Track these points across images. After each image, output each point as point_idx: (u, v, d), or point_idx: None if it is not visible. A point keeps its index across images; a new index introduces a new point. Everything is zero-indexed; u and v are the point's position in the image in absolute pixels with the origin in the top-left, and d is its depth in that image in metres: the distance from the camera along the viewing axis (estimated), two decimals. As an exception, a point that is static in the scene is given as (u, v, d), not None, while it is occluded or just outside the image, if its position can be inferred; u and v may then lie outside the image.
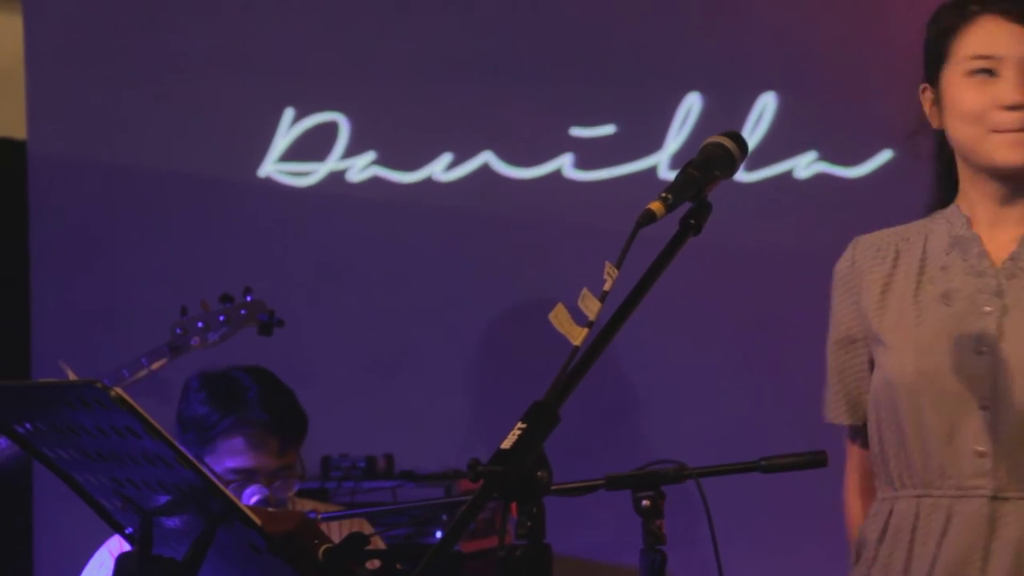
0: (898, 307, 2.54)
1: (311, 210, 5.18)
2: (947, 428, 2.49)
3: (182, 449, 2.25)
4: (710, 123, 5.01)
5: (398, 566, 2.40)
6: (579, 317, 2.14)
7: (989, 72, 2.48)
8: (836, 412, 2.63)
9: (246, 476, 3.38)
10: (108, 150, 5.21)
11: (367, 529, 3.52)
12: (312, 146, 5.19)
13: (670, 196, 2.27)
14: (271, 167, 5.22)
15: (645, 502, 3.07)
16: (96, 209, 5.21)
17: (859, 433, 2.64)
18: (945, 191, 2.62)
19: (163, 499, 2.31)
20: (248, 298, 4.70)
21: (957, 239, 2.56)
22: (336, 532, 3.50)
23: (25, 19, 5.23)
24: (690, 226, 2.28)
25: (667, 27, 5.13)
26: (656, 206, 2.26)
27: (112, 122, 5.22)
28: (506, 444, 2.02)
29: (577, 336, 2.11)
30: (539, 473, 2.03)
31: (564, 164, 5.15)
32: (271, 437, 3.41)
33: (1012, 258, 2.54)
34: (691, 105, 5.11)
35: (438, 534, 4.42)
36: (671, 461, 2.86)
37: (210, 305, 4.68)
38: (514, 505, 2.07)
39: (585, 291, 2.15)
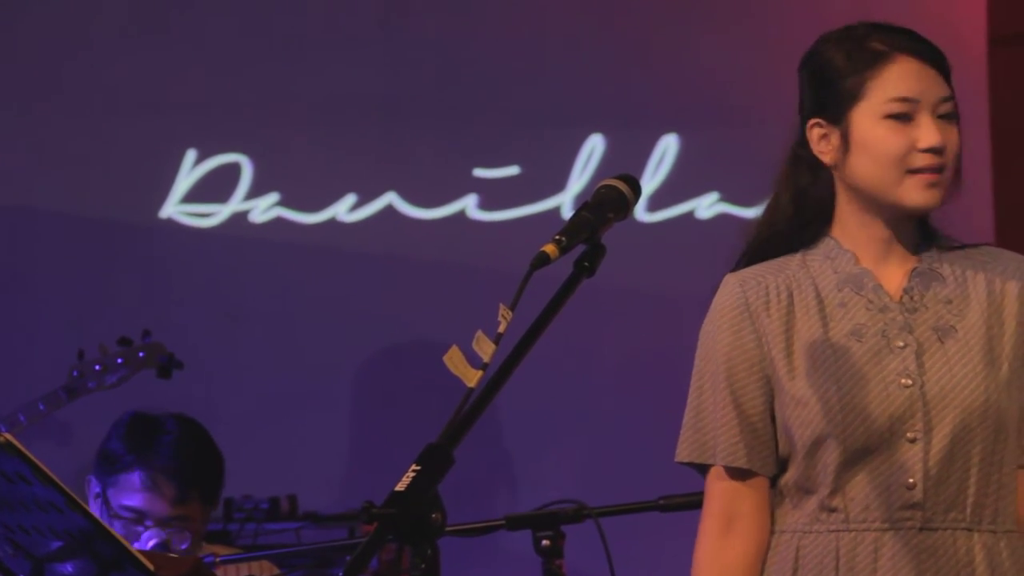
0: (809, 349, 2.53)
1: (214, 251, 5.16)
2: (876, 462, 2.49)
3: (72, 495, 2.24)
4: (613, 164, 5.05)
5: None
6: (474, 359, 2.14)
7: (907, 116, 2.50)
8: (734, 454, 2.54)
9: (137, 517, 3.36)
10: (6, 188, 5.16)
11: (272, 571, 3.50)
12: (215, 187, 5.17)
13: (564, 238, 2.29)
14: (173, 208, 5.19)
15: (545, 542, 3.09)
16: (-7, 250, 5.17)
17: (738, 473, 2.57)
18: (816, 226, 2.60)
19: (55, 545, 2.29)
20: (147, 340, 4.69)
21: (849, 276, 2.56)
22: (241, 575, 3.48)
23: (-77, 57, 5.18)
24: (584, 268, 2.29)
25: (570, 69, 5.17)
26: (550, 248, 2.27)
27: (12, 160, 5.18)
28: (400, 486, 2.02)
29: (472, 378, 2.12)
30: (433, 515, 2.03)
31: (468, 205, 5.17)
32: (168, 483, 3.39)
33: (907, 292, 2.56)
34: (594, 146, 5.14)
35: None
36: (571, 501, 2.87)
37: (108, 348, 4.66)
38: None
39: (479, 333, 2.15)
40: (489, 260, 5.04)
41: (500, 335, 2.15)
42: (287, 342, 5.13)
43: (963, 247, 2.61)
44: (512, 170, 5.16)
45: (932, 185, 2.50)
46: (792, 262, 2.59)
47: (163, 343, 4.69)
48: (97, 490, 3.42)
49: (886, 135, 2.50)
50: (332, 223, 5.16)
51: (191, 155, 5.18)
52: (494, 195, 5.15)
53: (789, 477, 2.55)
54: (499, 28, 5.18)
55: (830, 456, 2.50)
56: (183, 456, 3.42)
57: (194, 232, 5.17)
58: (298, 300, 5.14)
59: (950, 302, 2.56)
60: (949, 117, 2.52)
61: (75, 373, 4.62)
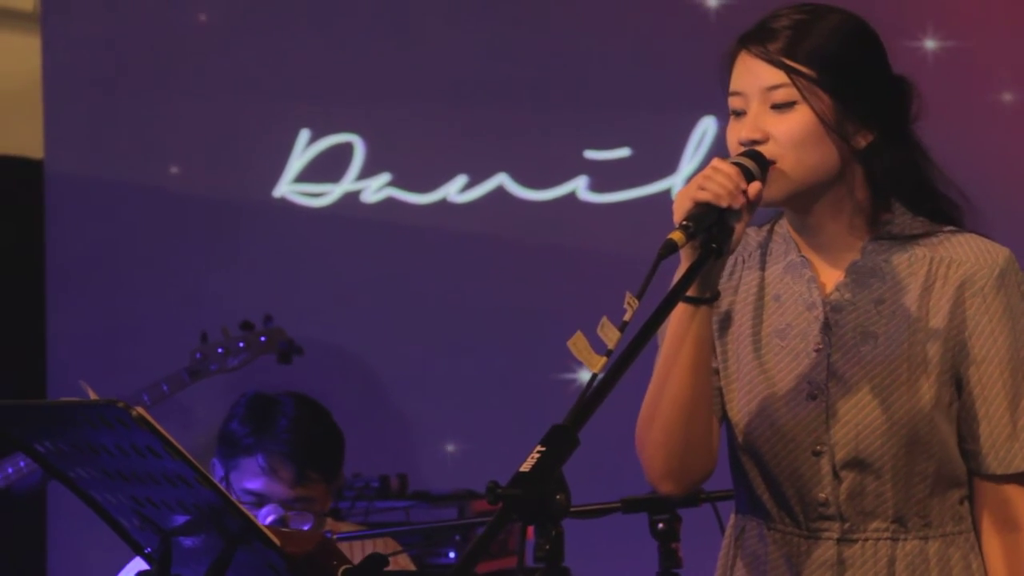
0: (737, 336, 2.45)
1: (326, 230, 5.20)
2: (786, 471, 2.42)
3: (202, 469, 2.26)
4: (725, 146, 5.01)
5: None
6: (598, 344, 2.13)
7: (742, 111, 2.40)
8: None
9: (257, 500, 3.38)
10: (125, 170, 5.23)
11: (394, 548, 3.52)
12: (327, 167, 5.21)
13: (691, 224, 2.27)
14: (286, 188, 5.24)
15: (661, 525, 3.08)
16: (112, 229, 5.23)
17: None
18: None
19: (182, 519, 2.32)
20: (268, 325, 4.73)
21: (790, 265, 2.45)
22: (362, 552, 3.50)
23: (44, 40, 5.25)
24: (712, 250, 2.28)
25: (682, 50, 5.15)
26: (677, 236, 2.25)
27: (128, 142, 5.24)
28: (525, 467, 2.02)
29: (596, 364, 2.10)
30: (558, 496, 2.03)
31: (579, 186, 5.16)
32: (286, 465, 3.39)
33: (839, 288, 2.43)
34: (706, 128, 5.12)
35: (451, 554, 4.42)
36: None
37: (230, 331, 4.70)
38: (530, 528, 2.07)
39: (605, 320, 2.13)
40: (599, 242, 5.03)
41: (625, 323, 2.13)
42: (398, 321, 5.16)
43: (923, 235, 2.42)
44: (623, 152, 5.15)
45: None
46: (759, 234, 2.49)
47: (284, 328, 4.74)
48: (221, 473, 3.44)
49: (727, 133, 2.44)
50: (443, 204, 5.18)
51: (304, 135, 5.22)
52: (605, 177, 5.14)
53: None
54: (612, 10, 5.17)
55: (743, 458, 2.44)
56: (301, 439, 3.42)
57: (307, 211, 5.21)
58: (408, 280, 5.17)
59: (882, 302, 2.41)
60: (782, 106, 2.37)
61: (198, 355, 4.66)
